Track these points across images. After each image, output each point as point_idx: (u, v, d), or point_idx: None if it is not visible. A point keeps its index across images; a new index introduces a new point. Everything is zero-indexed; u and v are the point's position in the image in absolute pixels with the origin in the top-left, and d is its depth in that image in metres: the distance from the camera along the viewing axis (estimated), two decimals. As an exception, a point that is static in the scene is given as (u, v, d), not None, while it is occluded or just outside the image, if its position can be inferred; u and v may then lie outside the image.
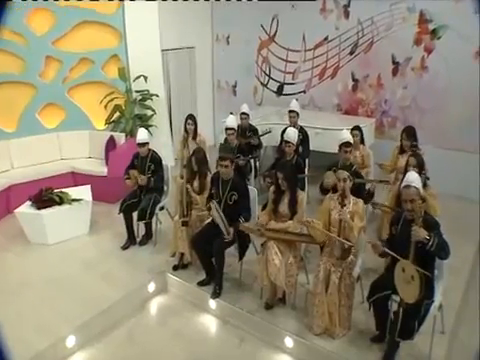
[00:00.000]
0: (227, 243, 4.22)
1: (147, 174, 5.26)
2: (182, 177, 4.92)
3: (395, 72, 7.00)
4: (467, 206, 6.00)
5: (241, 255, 4.36)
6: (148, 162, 5.32)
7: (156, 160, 5.35)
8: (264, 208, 4.91)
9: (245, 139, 6.22)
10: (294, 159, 5.24)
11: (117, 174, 5.83)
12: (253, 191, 4.60)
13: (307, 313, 4.00)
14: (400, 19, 6.77)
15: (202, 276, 4.55)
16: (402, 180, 4.37)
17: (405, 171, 4.36)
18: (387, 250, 3.33)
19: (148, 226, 5.39)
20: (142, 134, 5.29)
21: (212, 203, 4.17)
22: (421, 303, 3.18)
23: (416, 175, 3.36)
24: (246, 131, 6.46)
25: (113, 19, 7.35)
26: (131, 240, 5.35)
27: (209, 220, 4.63)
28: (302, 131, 6.03)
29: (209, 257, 4.40)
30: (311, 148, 6.22)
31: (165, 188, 5.54)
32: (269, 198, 4.24)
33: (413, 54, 6.74)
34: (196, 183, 4.81)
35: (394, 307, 3.42)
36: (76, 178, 6.67)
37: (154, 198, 5.25)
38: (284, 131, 6.22)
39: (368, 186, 5.03)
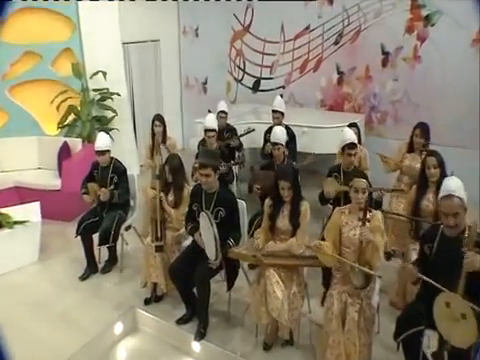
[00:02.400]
0: (213, 270, 3.48)
1: (109, 187, 4.44)
2: (153, 188, 4.14)
3: (385, 63, 6.43)
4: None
5: (230, 284, 3.61)
6: (110, 173, 4.49)
7: (119, 170, 4.53)
8: (252, 223, 4.24)
9: (223, 141, 5.50)
10: (285, 162, 4.54)
11: (73, 188, 4.98)
12: (242, 205, 3.87)
13: (314, 352, 3.32)
14: (390, 5, 6.21)
15: (181, 311, 3.77)
16: (419, 185, 3.84)
17: (422, 174, 3.75)
18: (425, 278, 2.68)
19: (112, 249, 4.55)
20: (102, 140, 4.46)
21: (204, 213, 3.42)
22: (472, 345, 2.54)
23: (458, 181, 2.71)
24: (224, 132, 5.73)
25: (64, 6, 6.43)
26: (91, 268, 4.50)
27: (188, 242, 3.87)
28: (288, 131, 5.34)
29: (190, 288, 3.64)
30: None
31: (131, 203, 4.73)
32: (265, 212, 3.53)
33: (404, 43, 6.19)
34: (171, 197, 4.04)
35: (431, 346, 2.78)
36: (21, 194, 5.70)
37: (118, 216, 4.43)
38: (268, 131, 5.57)
39: (374, 194, 4.39)
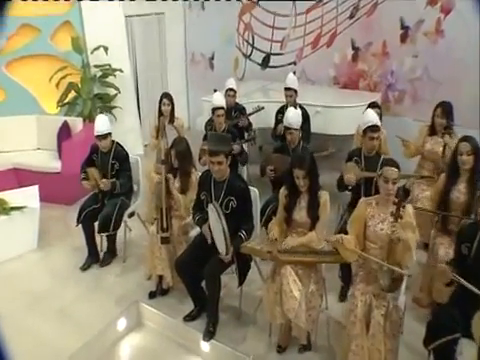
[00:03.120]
0: (223, 265, 3.17)
1: (110, 175, 4.11)
2: (158, 173, 3.80)
3: (404, 38, 5.96)
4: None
5: (241, 279, 3.31)
6: (111, 159, 4.14)
7: (121, 156, 4.17)
8: (264, 211, 3.91)
9: (231, 120, 5.14)
10: (300, 148, 4.18)
11: (73, 170, 4.63)
12: (254, 193, 3.54)
13: (333, 355, 3.04)
14: (411, -27, 5.75)
15: (188, 306, 3.50)
16: (449, 173, 3.47)
17: (453, 161, 3.39)
18: (463, 281, 2.36)
19: (111, 240, 4.24)
20: (102, 123, 4.07)
21: (212, 204, 3.10)
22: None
23: None
24: (232, 111, 5.36)
25: (63, -24, 6.00)
26: (93, 257, 4.20)
27: (196, 231, 3.56)
28: (302, 111, 4.96)
29: (198, 283, 3.35)
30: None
31: (135, 188, 4.40)
32: (280, 203, 3.20)
33: (426, 16, 5.69)
34: (177, 183, 3.71)
35: (467, 357, 2.49)
36: (20, 176, 5.39)
37: (120, 202, 4.11)
38: (280, 111, 5.19)
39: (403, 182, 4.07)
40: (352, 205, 3.72)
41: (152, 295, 3.71)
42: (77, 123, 5.73)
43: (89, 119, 6.07)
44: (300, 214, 3.08)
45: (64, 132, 5.55)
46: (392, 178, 2.71)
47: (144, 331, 3.54)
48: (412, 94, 6.05)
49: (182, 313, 3.48)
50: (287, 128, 4.12)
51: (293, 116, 4.13)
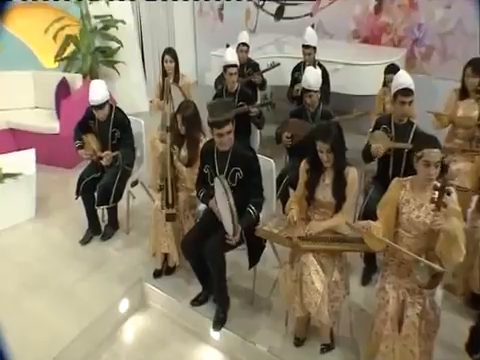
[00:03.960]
0: (227, 244, 2.78)
1: (111, 145, 3.67)
2: (163, 141, 3.37)
3: (435, -14, 5.31)
4: None
5: (253, 261, 2.93)
6: (111, 127, 3.66)
7: (122, 123, 3.69)
8: (279, 183, 3.49)
9: (244, 78, 4.61)
10: (320, 111, 3.69)
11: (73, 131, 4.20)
12: (270, 164, 3.10)
13: (356, 349, 2.71)
14: None
15: (196, 287, 3.15)
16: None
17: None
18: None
19: (112, 212, 3.85)
20: (96, 91, 3.52)
21: (218, 179, 2.69)
22: None
23: None
24: (244, 67, 4.83)
25: None
26: (94, 230, 3.84)
27: (204, 206, 3.17)
28: (321, 69, 4.41)
29: (207, 266, 2.98)
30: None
31: (138, 153, 3.96)
32: (300, 178, 2.76)
33: (462, -40, 5.04)
34: (184, 152, 3.28)
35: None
36: (17, 137, 4.98)
37: (122, 171, 3.70)
38: (297, 69, 4.65)
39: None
40: (378, 179, 3.30)
41: (157, 274, 3.36)
42: (76, 80, 5.21)
43: (90, 76, 5.57)
44: (324, 193, 2.65)
45: (62, 90, 5.05)
46: (435, 162, 2.25)
47: (148, 313, 3.27)
48: (441, 50, 5.42)
49: (189, 295, 3.15)
50: (306, 90, 3.61)
51: (313, 76, 3.61)
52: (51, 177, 4.71)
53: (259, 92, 4.89)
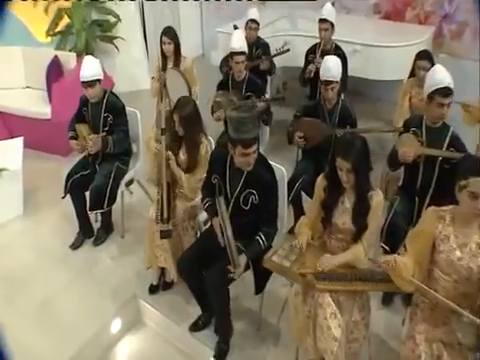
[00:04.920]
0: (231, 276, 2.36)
1: (102, 131, 3.23)
2: (158, 141, 2.92)
3: (470, -45, 4.66)
4: None
5: (259, 288, 2.54)
6: (103, 111, 3.23)
7: (115, 107, 3.25)
8: (291, 188, 3.04)
9: (252, 62, 4.09)
10: (338, 108, 3.18)
11: (65, 117, 3.66)
12: (281, 173, 2.64)
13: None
14: None
15: (196, 306, 2.75)
16: None
17: None
18: None
19: (106, 214, 3.43)
20: (88, 66, 3.12)
21: (217, 201, 2.29)
22: None
23: None
24: (253, 48, 4.30)
25: None
26: (85, 232, 3.45)
27: (204, 217, 2.76)
28: (339, 53, 3.88)
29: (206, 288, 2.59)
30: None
31: (134, 148, 3.53)
32: (315, 195, 2.32)
33: None
34: (183, 155, 2.83)
35: None
36: (7, 120, 4.54)
37: (115, 170, 3.28)
38: (312, 51, 4.10)
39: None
40: (405, 190, 2.85)
41: (153, 289, 2.98)
42: (70, 59, 4.67)
43: (86, 52, 5.05)
44: (343, 218, 2.21)
45: (54, 70, 4.54)
46: None
47: (142, 332, 2.89)
48: (474, 28, 4.79)
49: (189, 316, 2.77)
50: (327, 82, 3.08)
51: (334, 66, 3.08)
52: (43, 166, 4.32)
53: (269, 79, 4.37)
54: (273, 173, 2.43)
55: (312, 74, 3.89)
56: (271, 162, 2.55)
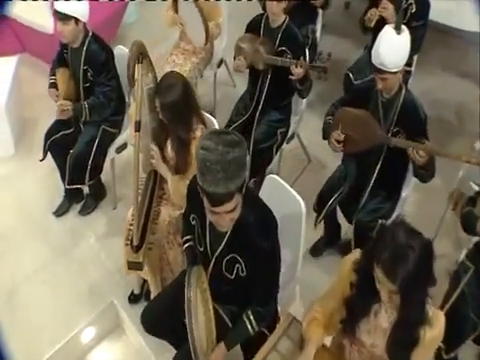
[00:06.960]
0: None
1: (83, 88, 2.41)
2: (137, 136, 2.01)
3: None
4: None
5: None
6: (82, 64, 2.36)
7: (96, 59, 2.36)
8: (322, 205, 2.19)
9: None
10: (400, 102, 2.02)
11: None
12: (297, 205, 1.74)
13: None
14: None
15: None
16: None
17: None
18: None
19: (95, 180, 2.69)
20: None
21: (187, 275, 1.59)
22: None
23: None
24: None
25: None
26: (72, 197, 2.79)
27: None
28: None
29: (182, 337, 1.93)
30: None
31: (130, 101, 2.65)
32: (339, 277, 1.46)
33: None
34: (171, 152, 1.98)
35: None
36: (15, 28, 3.75)
37: (101, 134, 2.50)
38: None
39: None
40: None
41: (134, 299, 2.40)
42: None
43: None
44: (372, 338, 1.39)
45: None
46: None
47: (121, 343, 2.36)
48: None
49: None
50: (379, 70, 1.94)
51: (390, 53, 1.90)
52: (41, 88, 3.46)
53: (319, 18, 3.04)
54: (273, 236, 1.55)
55: (372, 23, 2.60)
56: (286, 191, 1.66)
